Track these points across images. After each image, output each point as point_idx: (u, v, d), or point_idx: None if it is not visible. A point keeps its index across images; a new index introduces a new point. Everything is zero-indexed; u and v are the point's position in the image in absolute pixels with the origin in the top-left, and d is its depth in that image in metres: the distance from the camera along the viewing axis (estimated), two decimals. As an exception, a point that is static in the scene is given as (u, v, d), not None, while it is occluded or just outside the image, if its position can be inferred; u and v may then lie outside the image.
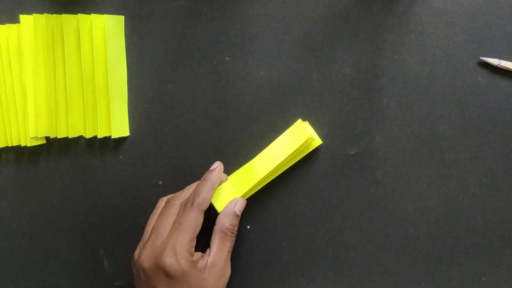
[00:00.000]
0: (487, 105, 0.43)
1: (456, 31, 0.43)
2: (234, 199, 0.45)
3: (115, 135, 0.48)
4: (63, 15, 0.46)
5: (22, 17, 0.47)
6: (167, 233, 0.42)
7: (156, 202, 0.47)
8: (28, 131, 0.48)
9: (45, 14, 0.46)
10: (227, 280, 0.43)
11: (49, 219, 0.50)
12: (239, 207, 0.45)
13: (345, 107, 0.45)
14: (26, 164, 0.50)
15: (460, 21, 0.43)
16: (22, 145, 0.49)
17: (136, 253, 0.44)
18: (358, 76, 0.45)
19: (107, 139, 0.49)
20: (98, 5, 0.48)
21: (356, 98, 0.45)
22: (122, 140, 0.49)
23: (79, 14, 0.46)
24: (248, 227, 0.47)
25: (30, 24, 0.47)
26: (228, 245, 0.43)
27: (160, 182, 0.49)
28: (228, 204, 0.44)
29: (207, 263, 0.42)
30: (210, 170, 0.46)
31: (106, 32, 0.46)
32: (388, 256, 0.42)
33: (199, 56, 0.47)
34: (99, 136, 0.48)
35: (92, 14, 0.47)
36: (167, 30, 0.48)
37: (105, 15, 0.47)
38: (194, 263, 0.41)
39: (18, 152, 0.50)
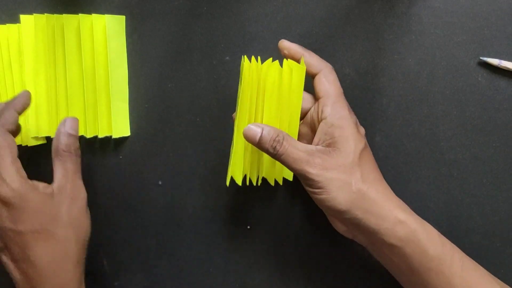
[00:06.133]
0: (487, 105, 0.43)
1: (456, 31, 0.43)
2: (64, 118, 0.43)
3: (116, 135, 0.48)
4: (64, 15, 0.47)
5: (23, 17, 0.47)
6: None
7: (156, 202, 0.47)
8: (29, 131, 0.48)
9: (45, 14, 0.46)
10: (85, 201, 0.42)
11: (49, 219, 0.50)
12: (70, 125, 0.42)
13: (345, 107, 0.45)
14: (26, 164, 0.50)
15: (460, 21, 0.43)
16: (23, 145, 0.49)
17: None
18: (358, 76, 0.45)
19: (107, 139, 0.49)
20: (99, 5, 0.48)
21: (356, 98, 0.45)
22: (122, 140, 0.49)
23: (80, 14, 0.46)
24: (248, 227, 0.47)
25: (30, 24, 0.47)
26: (71, 167, 0.41)
27: (160, 182, 0.49)
28: (58, 126, 0.42)
29: (53, 190, 0.40)
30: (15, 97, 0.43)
31: (107, 32, 0.47)
32: (388, 256, 0.42)
33: (199, 56, 0.47)
34: (100, 136, 0.48)
35: (93, 14, 0.47)
36: (167, 29, 0.48)
37: (106, 15, 0.47)
38: (32, 186, 0.39)
39: (18, 152, 0.50)
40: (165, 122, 0.48)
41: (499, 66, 0.42)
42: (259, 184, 0.44)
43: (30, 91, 0.48)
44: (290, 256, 0.47)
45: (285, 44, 0.42)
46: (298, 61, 0.41)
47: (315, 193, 0.38)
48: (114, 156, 0.49)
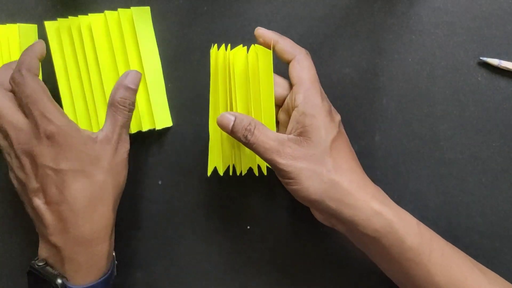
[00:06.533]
0: (487, 105, 0.43)
1: (456, 31, 0.43)
2: (126, 71, 0.43)
3: (158, 126, 0.47)
4: (90, 15, 0.45)
5: (47, 23, 0.46)
6: (21, 114, 0.39)
7: (156, 201, 0.47)
8: None
9: (69, 16, 0.45)
10: (126, 154, 0.42)
11: (49, 219, 0.50)
12: (131, 78, 0.42)
13: (345, 107, 0.45)
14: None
15: (460, 21, 0.43)
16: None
17: (7, 146, 0.40)
18: (358, 76, 0.45)
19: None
20: (98, 4, 0.48)
21: (356, 98, 0.45)
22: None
23: (105, 11, 0.45)
24: (248, 227, 0.47)
25: (55, 28, 0.46)
26: (121, 119, 0.41)
27: (160, 182, 0.49)
28: (120, 77, 0.42)
29: (97, 136, 0.40)
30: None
31: (136, 25, 0.45)
32: (388, 256, 0.42)
33: (199, 56, 0.47)
34: (143, 130, 0.47)
35: (119, 9, 0.45)
36: (167, 29, 0.48)
37: (132, 8, 0.45)
38: (76, 126, 0.39)
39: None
40: (165, 122, 0.48)
41: (499, 66, 0.42)
42: (243, 174, 0.44)
43: (66, 98, 0.47)
44: (289, 255, 0.47)
45: (260, 32, 0.41)
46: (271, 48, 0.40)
47: (287, 183, 0.38)
48: (114, 156, 0.49)
